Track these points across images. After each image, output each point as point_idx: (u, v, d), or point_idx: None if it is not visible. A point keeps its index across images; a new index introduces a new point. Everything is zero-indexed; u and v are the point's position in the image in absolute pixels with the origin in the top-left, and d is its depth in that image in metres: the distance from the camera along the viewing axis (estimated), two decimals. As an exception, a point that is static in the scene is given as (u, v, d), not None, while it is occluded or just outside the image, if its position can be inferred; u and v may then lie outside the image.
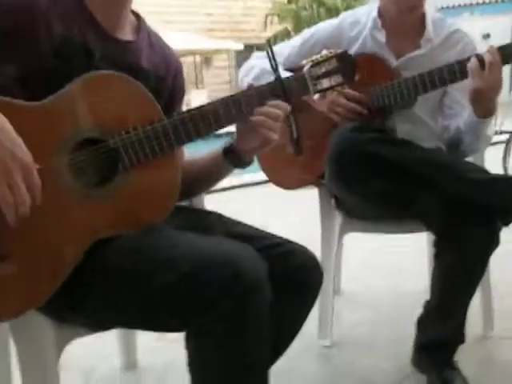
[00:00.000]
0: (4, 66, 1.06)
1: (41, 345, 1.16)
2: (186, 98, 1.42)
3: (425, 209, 1.56)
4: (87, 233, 1.06)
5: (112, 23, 1.18)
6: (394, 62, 1.78)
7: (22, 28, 1.06)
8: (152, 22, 1.37)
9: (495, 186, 1.49)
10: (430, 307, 1.65)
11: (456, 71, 1.60)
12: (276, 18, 18.19)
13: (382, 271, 2.75)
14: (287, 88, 1.19)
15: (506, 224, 1.52)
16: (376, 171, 1.55)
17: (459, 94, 1.76)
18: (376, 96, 1.71)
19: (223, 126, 1.16)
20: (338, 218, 1.91)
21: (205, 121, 1.12)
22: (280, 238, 1.22)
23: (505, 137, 5.32)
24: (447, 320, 1.62)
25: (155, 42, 1.29)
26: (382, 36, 1.78)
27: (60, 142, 1.04)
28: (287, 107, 1.18)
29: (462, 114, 1.72)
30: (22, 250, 1.01)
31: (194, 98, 12.53)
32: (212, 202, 1.59)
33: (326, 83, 1.23)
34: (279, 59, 1.57)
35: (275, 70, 1.20)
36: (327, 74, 1.22)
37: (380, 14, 1.80)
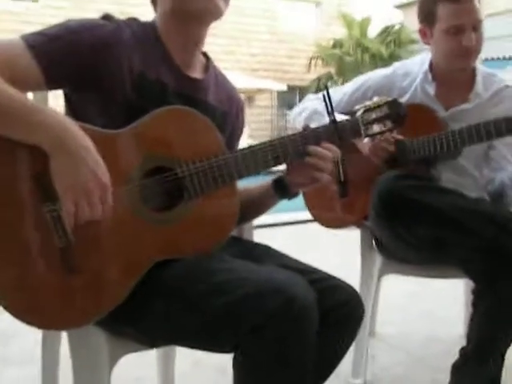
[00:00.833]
0: (88, 94, 1.18)
1: (95, 356, 1.22)
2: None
3: (465, 256, 1.59)
4: (150, 254, 1.15)
5: (185, 61, 1.29)
6: (442, 114, 1.84)
7: (107, 60, 1.16)
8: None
9: None
10: (466, 354, 1.66)
11: (502, 127, 1.64)
12: (320, 62, 18.49)
13: (416, 315, 2.75)
14: (341, 131, 1.26)
15: None
16: (419, 217, 1.61)
17: (505, 148, 1.82)
18: (422, 145, 1.76)
19: (280, 163, 1.24)
20: (377, 260, 1.95)
21: (264, 157, 1.20)
22: (326, 273, 1.28)
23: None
24: (484, 369, 1.62)
25: (221, 81, 1.39)
26: (431, 89, 1.85)
27: (132, 169, 1.13)
28: (338, 152, 1.25)
29: (507, 168, 1.77)
30: (90, 265, 1.10)
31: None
32: (257, 237, 1.65)
33: (376, 128, 1.29)
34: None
35: (331, 113, 1.27)
36: (378, 120, 1.28)
37: (431, 67, 1.87)
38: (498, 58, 15.28)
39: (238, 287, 1.06)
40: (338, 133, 1.26)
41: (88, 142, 1.04)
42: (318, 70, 18.60)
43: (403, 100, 1.83)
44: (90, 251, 1.10)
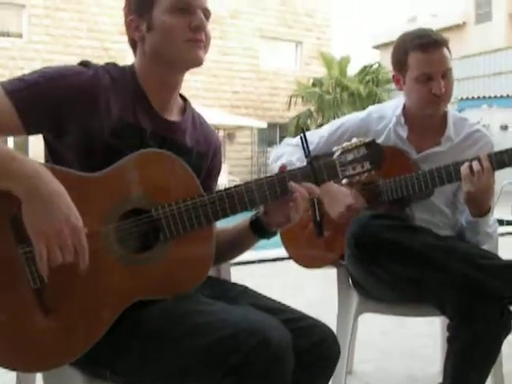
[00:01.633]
0: (66, 139, 1.20)
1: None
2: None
3: (438, 293, 1.63)
4: (125, 295, 1.15)
5: (162, 104, 1.32)
6: (414, 156, 1.90)
7: (85, 105, 1.19)
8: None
9: (506, 272, 1.57)
10: (442, 391, 1.68)
11: (452, 173, 1.71)
12: (300, 100, 18.78)
13: (394, 353, 2.76)
14: (317, 172, 1.28)
15: None
16: (393, 256, 1.65)
17: None
18: (395, 186, 1.81)
19: (257, 205, 1.26)
20: (354, 298, 1.97)
21: (240, 199, 1.23)
22: (300, 312, 1.29)
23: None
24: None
25: (198, 122, 1.43)
26: (404, 132, 1.91)
27: (109, 211, 1.15)
28: (317, 192, 1.27)
29: (466, 211, 1.80)
30: (64, 306, 1.11)
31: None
32: (235, 274, 1.67)
33: (354, 169, 1.30)
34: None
35: (307, 155, 1.30)
36: (356, 161, 1.30)
37: (404, 111, 1.93)
38: (473, 98, 15.68)
39: (215, 329, 1.07)
40: (315, 174, 1.28)
41: (61, 188, 1.06)
42: (298, 108, 18.89)
43: (378, 142, 1.88)
44: (65, 292, 1.11)
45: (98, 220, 1.13)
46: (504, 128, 16.70)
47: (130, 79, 1.30)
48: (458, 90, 15.50)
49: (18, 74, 1.22)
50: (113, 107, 1.23)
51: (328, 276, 2.13)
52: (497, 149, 1.70)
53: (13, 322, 1.08)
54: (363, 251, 1.68)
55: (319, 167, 1.28)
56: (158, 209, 1.18)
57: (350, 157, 1.29)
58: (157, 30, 1.26)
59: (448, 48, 1.83)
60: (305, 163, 1.30)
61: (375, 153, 1.31)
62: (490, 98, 15.43)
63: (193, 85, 17.04)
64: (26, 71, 1.21)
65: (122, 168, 1.18)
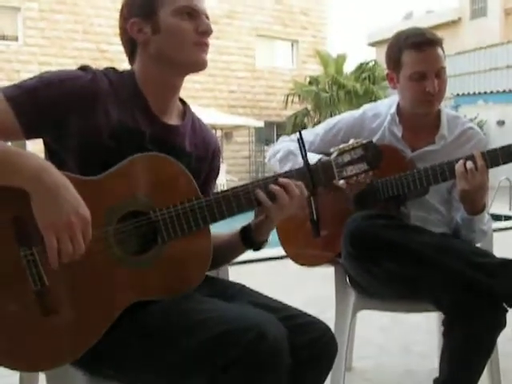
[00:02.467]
0: (66, 143, 1.22)
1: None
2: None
3: (434, 290, 1.65)
4: (124, 297, 1.18)
5: (162, 109, 1.34)
6: (409, 155, 1.92)
7: (83, 109, 1.21)
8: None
9: (500, 270, 1.59)
10: (438, 385, 1.71)
11: (446, 171, 1.72)
12: (297, 98, 18.79)
13: (392, 349, 2.78)
14: (314, 174, 1.30)
15: (511, 306, 1.60)
16: (389, 255, 1.67)
17: None
18: (391, 184, 1.83)
19: (254, 207, 1.28)
20: (352, 296, 1.99)
21: (237, 201, 1.25)
22: (298, 310, 1.31)
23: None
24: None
25: (197, 126, 1.45)
26: (398, 131, 1.93)
27: (108, 213, 1.17)
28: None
29: (461, 208, 1.83)
30: (65, 307, 1.13)
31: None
32: (234, 273, 1.69)
33: (351, 170, 1.32)
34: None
35: (304, 156, 1.32)
36: (353, 162, 1.32)
37: (399, 110, 1.95)
38: (469, 94, 15.71)
39: (212, 326, 1.10)
40: (311, 175, 1.30)
41: (66, 181, 1.09)
42: (295, 107, 18.89)
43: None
44: (66, 293, 1.14)
45: (97, 222, 1.15)
46: (500, 123, 16.75)
47: (130, 83, 1.31)
48: (454, 86, 15.55)
49: (14, 76, 1.25)
50: (112, 111, 1.25)
51: (326, 275, 2.15)
52: (494, 144, 1.71)
53: (15, 323, 1.10)
54: (359, 250, 1.71)
55: (316, 168, 1.30)
56: (156, 211, 1.20)
57: (346, 158, 1.31)
58: (165, 32, 1.29)
59: (442, 47, 1.85)
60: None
61: (372, 154, 1.32)
62: (485, 93, 15.47)
63: (190, 85, 17.04)
64: (22, 74, 1.25)
65: (121, 171, 1.20)
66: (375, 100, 13.64)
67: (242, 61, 19.92)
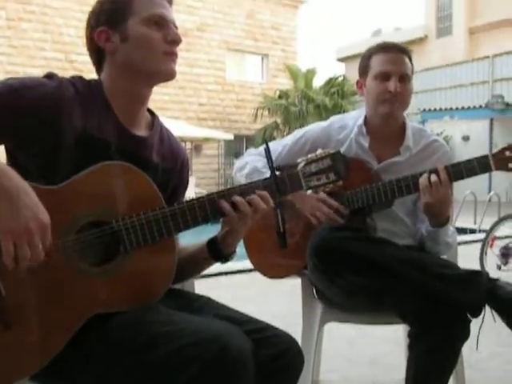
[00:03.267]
0: (29, 150, 1.19)
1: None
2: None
3: (398, 302, 1.66)
4: (85, 308, 1.14)
5: (129, 119, 1.32)
6: (375, 166, 1.94)
7: (47, 117, 1.18)
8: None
9: (464, 281, 1.61)
10: (404, 398, 1.71)
11: (411, 184, 1.75)
12: (266, 112, 18.89)
13: (359, 362, 2.78)
14: (280, 184, 1.29)
15: (474, 316, 1.61)
16: (352, 266, 1.68)
17: None
18: (357, 196, 1.84)
19: (220, 217, 1.26)
20: (318, 308, 1.98)
21: (203, 211, 1.23)
22: (264, 323, 1.29)
23: (484, 235, 5.48)
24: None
25: (166, 137, 1.42)
26: (365, 141, 1.95)
27: (69, 223, 1.14)
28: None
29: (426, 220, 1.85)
30: (23, 319, 1.09)
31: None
32: (200, 287, 1.67)
33: (318, 180, 1.30)
34: (272, 156, 1.71)
35: (271, 167, 1.30)
36: (320, 172, 1.30)
37: (366, 121, 1.97)
38: (435, 110, 16.03)
39: (175, 338, 1.07)
40: (278, 186, 1.29)
41: (26, 186, 1.06)
42: (265, 120, 18.99)
43: None
44: (24, 306, 1.10)
45: (58, 232, 1.12)
46: (465, 139, 17.14)
47: (96, 92, 1.29)
48: (421, 102, 15.86)
49: (-19, 85, 1.20)
50: (77, 120, 1.22)
51: (293, 289, 2.14)
52: (459, 159, 1.74)
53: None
54: (324, 262, 1.71)
55: (282, 178, 1.29)
56: (119, 220, 1.18)
57: (314, 168, 1.30)
58: (133, 41, 1.27)
59: (410, 58, 1.92)
60: (268, 173, 1.30)
61: (340, 164, 1.31)
62: (451, 109, 15.80)
63: (159, 97, 16.97)
64: None
65: (84, 179, 1.17)
66: (344, 114, 13.79)
67: (212, 74, 19.96)
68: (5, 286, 1.06)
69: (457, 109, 15.66)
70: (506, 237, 5.37)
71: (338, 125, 2.03)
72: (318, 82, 19.96)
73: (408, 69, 1.89)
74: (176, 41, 1.29)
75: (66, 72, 1.34)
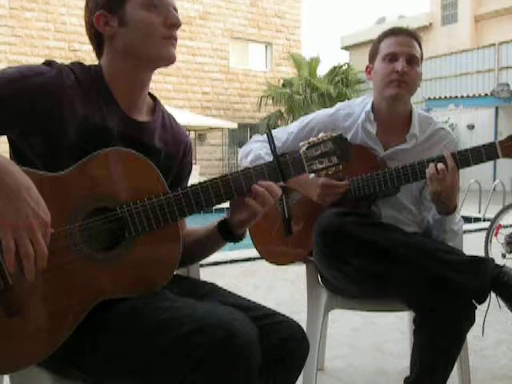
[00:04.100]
0: (31, 139, 1.18)
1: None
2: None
3: (404, 288, 1.65)
4: (91, 294, 1.14)
5: (131, 105, 1.30)
6: (381, 153, 1.93)
7: (47, 105, 1.17)
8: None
9: (469, 267, 1.60)
10: (409, 383, 1.70)
11: (417, 171, 1.74)
12: (270, 100, 18.84)
13: (364, 349, 2.79)
14: (283, 168, 1.28)
15: (480, 302, 1.61)
16: (359, 252, 1.67)
17: None
18: (363, 184, 1.83)
19: (222, 201, 1.25)
20: (323, 295, 1.98)
21: (206, 195, 1.22)
22: (270, 309, 1.29)
23: (488, 224, 5.46)
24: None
25: (168, 122, 1.41)
26: (372, 128, 1.94)
27: (74, 209, 1.14)
28: (279, 192, 1.27)
29: (433, 208, 1.84)
30: (29, 307, 1.09)
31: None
32: (205, 275, 1.66)
33: (321, 164, 1.29)
34: (277, 143, 1.71)
35: (273, 151, 1.30)
36: (323, 155, 1.29)
37: (373, 107, 1.96)
38: (440, 98, 15.94)
39: (181, 325, 1.07)
40: (281, 169, 1.28)
41: (28, 181, 1.05)
42: (269, 109, 18.96)
43: None
44: (30, 293, 1.09)
45: (62, 219, 1.11)
46: (470, 127, 17.05)
47: (97, 78, 1.27)
48: (426, 90, 15.78)
49: (-17, 75, 1.19)
50: (78, 107, 1.21)
51: (298, 276, 2.14)
52: (464, 148, 1.73)
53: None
54: (330, 248, 1.70)
55: (285, 162, 1.28)
56: (123, 207, 1.17)
57: (316, 151, 1.29)
58: (132, 25, 1.25)
59: (419, 42, 1.92)
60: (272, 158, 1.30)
61: (342, 147, 1.30)
62: (456, 97, 15.70)
63: (163, 86, 16.94)
64: None
65: (87, 166, 1.17)
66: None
67: (215, 62, 19.91)
68: (11, 274, 1.06)
69: (462, 97, 15.56)
70: (511, 225, 5.36)
71: (344, 112, 2.01)
72: (322, 70, 20.04)
73: (416, 51, 1.88)
74: (176, 24, 1.27)
75: (68, 61, 1.33)
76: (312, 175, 1.34)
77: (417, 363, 1.68)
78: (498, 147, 1.67)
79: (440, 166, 1.66)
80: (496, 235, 5.00)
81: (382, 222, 1.83)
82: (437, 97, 16.00)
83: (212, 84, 19.77)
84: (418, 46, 1.90)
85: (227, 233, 1.34)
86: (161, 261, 1.23)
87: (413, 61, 1.87)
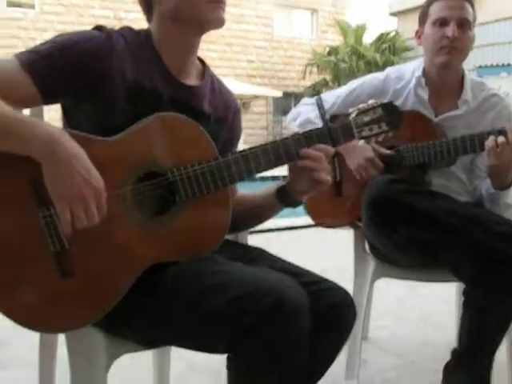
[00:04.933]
0: (84, 106, 1.20)
1: (92, 356, 1.24)
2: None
3: (454, 258, 1.62)
4: (143, 258, 1.16)
5: (180, 69, 1.30)
6: (432, 119, 1.88)
7: (100, 71, 1.18)
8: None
9: None
10: (457, 355, 1.68)
11: (476, 143, 1.70)
12: (315, 69, 18.57)
13: (409, 320, 2.77)
14: (333, 133, 1.27)
15: None
16: (410, 220, 1.64)
17: None
18: (418, 152, 1.80)
19: (272, 167, 1.25)
20: (371, 263, 1.97)
21: (256, 161, 1.22)
22: (318, 275, 1.29)
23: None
24: (474, 368, 1.65)
25: (217, 87, 1.41)
26: (424, 93, 1.89)
27: (125, 174, 1.15)
28: (330, 151, 1.26)
29: (486, 179, 1.80)
30: (83, 269, 1.12)
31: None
32: (252, 242, 1.67)
33: (371, 130, 1.29)
34: (325, 106, 1.69)
35: (323, 117, 1.29)
36: (372, 122, 1.28)
37: (424, 73, 1.91)
38: (492, 65, 15.37)
39: (231, 289, 1.08)
40: (331, 135, 1.27)
41: (79, 150, 1.06)
42: (313, 77, 18.69)
43: (396, 103, 1.86)
44: (85, 255, 1.12)
45: (114, 183, 1.13)
46: (523, 96, 16.41)
47: (146, 43, 1.28)
48: (476, 58, 15.21)
49: (30, 44, 1.21)
50: (128, 72, 1.22)
51: (342, 245, 2.13)
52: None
53: (34, 286, 1.10)
54: (380, 214, 1.68)
55: (335, 129, 1.27)
56: (174, 171, 1.18)
57: (366, 118, 1.28)
58: None
59: (471, 3, 1.84)
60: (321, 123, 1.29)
61: (392, 114, 1.29)
62: (509, 65, 15.10)
63: (207, 54, 16.90)
64: (39, 42, 1.20)
65: (139, 131, 1.18)
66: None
67: (260, 30, 19.70)
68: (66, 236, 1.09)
69: (515, 64, 14.97)
70: None
71: (395, 75, 1.97)
72: (368, 37, 19.48)
73: (468, 14, 1.81)
74: None
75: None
76: (362, 142, 1.33)
77: (466, 335, 1.65)
78: None
79: (500, 139, 1.62)
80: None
81: (433, 190, 1.79)
82: (488, 64, 15.42)
83: (257, 52, 19.60)
84: (470, 8, 1.82)
85: (286, 198, 1.34)
86: (211, 226, 1.24)
87: (464, 25, 1.80)
